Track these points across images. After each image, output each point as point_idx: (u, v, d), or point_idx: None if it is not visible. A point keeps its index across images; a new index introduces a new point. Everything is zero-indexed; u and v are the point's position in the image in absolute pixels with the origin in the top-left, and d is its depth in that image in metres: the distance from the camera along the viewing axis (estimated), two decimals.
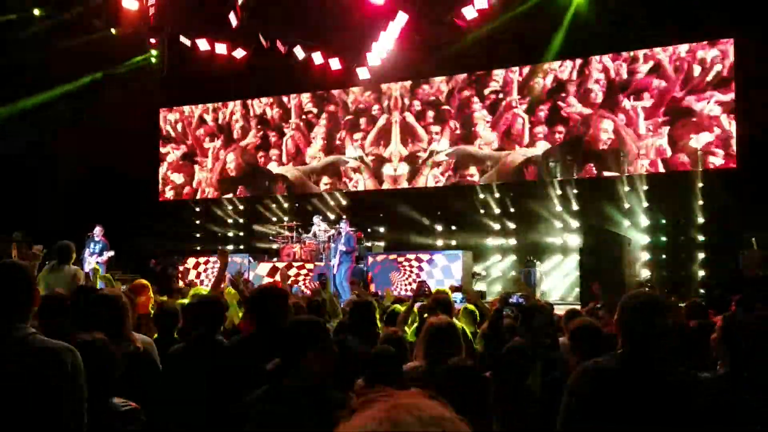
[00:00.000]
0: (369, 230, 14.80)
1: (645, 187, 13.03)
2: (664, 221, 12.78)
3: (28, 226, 13.59)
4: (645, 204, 13.00)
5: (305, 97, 16.50)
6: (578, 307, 6.46)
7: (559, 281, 13.51)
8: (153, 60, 15.80)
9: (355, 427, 0.78)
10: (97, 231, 12.16)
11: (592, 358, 2.50)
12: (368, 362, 3.12)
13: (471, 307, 4.97)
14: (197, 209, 17.58)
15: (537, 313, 3.98)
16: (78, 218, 14.34)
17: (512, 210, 14.22)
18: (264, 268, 13.53)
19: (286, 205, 16.48)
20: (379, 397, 0.81)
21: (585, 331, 3.48)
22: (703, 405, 2.29)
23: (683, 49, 12.85)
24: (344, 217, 13.47)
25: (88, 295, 3.83)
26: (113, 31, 14.43)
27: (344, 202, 15.93)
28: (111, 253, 12.11)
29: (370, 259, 13.34)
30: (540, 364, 3.68)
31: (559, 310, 5.69)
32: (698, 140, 12.56)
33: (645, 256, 12.74)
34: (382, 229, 15.32)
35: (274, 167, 16.74)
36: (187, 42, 14.61)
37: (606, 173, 13.37)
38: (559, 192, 13.76)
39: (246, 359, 3.19)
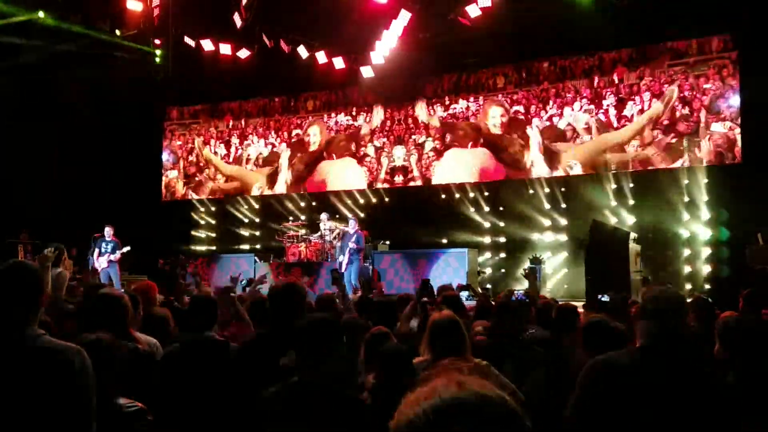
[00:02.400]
0: (375, 229, 14.83)
1: (650, 183, 13.01)
2: (669, 216, 12.77)
3: (34, 227, 13.68)
4: (649, 200, 12.97)
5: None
6: (579, 304, 6.45)
7: (564, 278, 13.50)
8: (157, 60, 15.82)
9: (430, 389, 0.99)
10: (108, 231, 12.32)
11: (602, 353, 2.53)
12: (380, 359, 3.15)
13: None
14: (202, 209, 17.63)
15: (507, 310, 4.01)
16: (84, 219, 14.40)
17: (517, 206, 14.20)
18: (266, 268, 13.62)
19: (303, 203, 16.49)
20: (443, 371, 1.04)
21: (597, 328, 3.49)
22: (721, 402, 2.30)
23: (685, 44, 12.80)
24: (351, 216, 13.53)
25: (93, 295, 3.85)
26: (117, 32, 14.47)
27: (349, 201, 15.95)
28: (127, 249, 12.30)
29: (376, 258, 13.37)
30: (510, 362, 3.67)
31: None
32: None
33: (649, 252, 12.70)
34: (387, 228, 15.33)
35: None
36: (192, 42, 14.64)
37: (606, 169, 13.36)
38: (563, 188, 13.77)
39: (256, 357, 3.21)
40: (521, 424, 0.97)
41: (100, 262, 12.13)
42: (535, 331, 4.27)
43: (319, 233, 13.99)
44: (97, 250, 12.24)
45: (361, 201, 15.82)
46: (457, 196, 14.76)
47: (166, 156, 18.09)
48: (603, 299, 6.03)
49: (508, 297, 4.51)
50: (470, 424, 0.93)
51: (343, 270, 12.16)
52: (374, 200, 15.71)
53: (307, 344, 2.48)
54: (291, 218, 16.08)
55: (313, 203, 16.25)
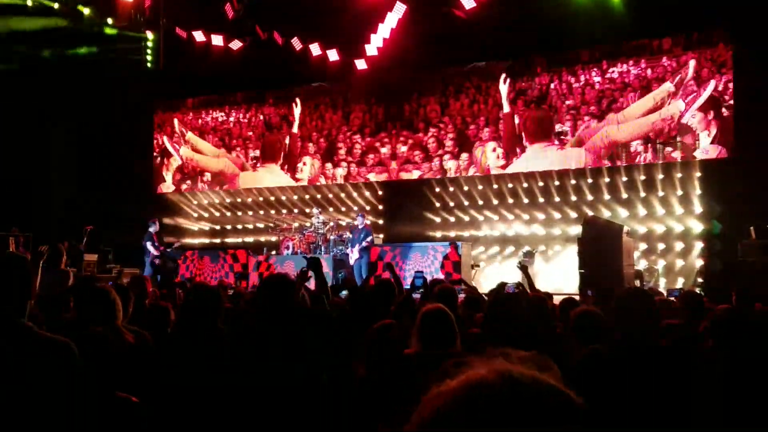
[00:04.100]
0: (368, 221, 14.84)
1: (642, 177, 13.05)
2: (662, 211, 12.83)
3: (25, 221, 13.62)
4: (642, 194, 13.01)
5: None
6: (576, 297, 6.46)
7: (557, 271, 13.52)
8: (149, 52, 15.76)
9: (470, 378, 0.78)
10: (156, 227, 12.63)
11: (591, 345, 2.70)
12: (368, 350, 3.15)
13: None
14: (195, 202, 17.58)
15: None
16: (74, 213, 14.36)
17: (510, 200, 14.23)
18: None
19: (295, 197, 16.44)
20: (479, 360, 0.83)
21: (586, 318, 3.51)
22: (695, 384, 2.42)
23: (679, 41, 12.81)
24: (359, 211, 13.64)
25: (85, 288, 3.84)
26: (110, 21, 14.40)
27: (342, 194, 15.93)
28: (178, 243, 13.41)
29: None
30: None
31: (557, 301, 5.70)
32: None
33: (642, 245, 12.75)
34: (381, 221, 15.34)
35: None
36: (183, 34, 14.58)
37: (604, 163, 13.37)
38: (557, 182, 13.79)
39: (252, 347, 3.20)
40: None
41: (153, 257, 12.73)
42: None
43: (312, 227, 14.00)
44: (147, 243, 12.75)
45: (355, 194, 15.81)
46: (451, 189, 14.76)
47: (165, 149, 18.01)
48: (591, 293, 6.07)
49: (500, 290, 4.52)
50: (518, 418, 0.71)
51: (351, 263, 12.61)
52: (367, 193, 15.69)
53: (295, 337, 2.49)
54: (284, 211, 16.07)
55: (306, 196, 16.22)
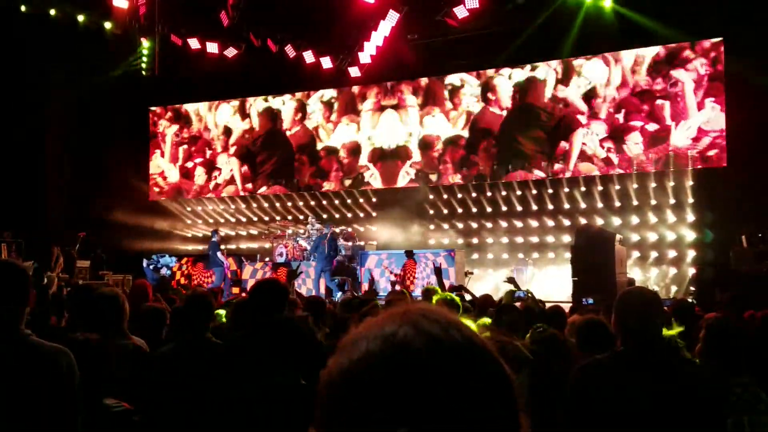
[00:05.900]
0: (362, 228, 14.87)
1: (635, 185, 13.11)
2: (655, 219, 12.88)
3: (19, 226, 13.56)
4: (635, 202, 13.06)
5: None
6: (567, 305, 6.48)
7: (550, 279, 13.54)
8: (144, 59, 15.77)
9: (382, 317, 0.79)
10: (219, 237, 13.31)
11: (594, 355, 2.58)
12: None
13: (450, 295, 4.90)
14: (188, 208, 17.53)
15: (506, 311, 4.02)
16: (68, 218, 14.30)
17: (504, 208, 14.25)
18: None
19: (289, 203, 16.40)
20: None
21: (593, 328, 3.51)
22: (706, 393, 2.34)
23: (672, 48, 12.90)
24: (323, 219, 13.75)
25: (87, 294, 3.83)
26: (107, 25, 14.40)
27: (336, 201, 15.93)
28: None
29: (363, 258, 13.37)
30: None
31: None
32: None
33: (635, 254, 12.79)
34: (374, 228, 15.33)
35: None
36: (178, 41, 14.58)
37: (595, 172, 13.44)
38: (550, 190, 13.83)
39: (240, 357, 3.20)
40: (500, 374, 0.75)
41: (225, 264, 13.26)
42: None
43: (306, 234, 14.01)
44: (218, 252, 13.33)
45: (349, 200, 15.81)
46: (445, 196, 14.78)
47: (158, 158, 17.98)
48: (588, 302, 6.08)
49: (509, 298, 4.54)
50: (427, 375, 0.70)
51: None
52: (361, 200, 15.70)
53: (281, 346, 2.51)
54: (278, 218, 16.05)
55: (301, 203, 16.20)
